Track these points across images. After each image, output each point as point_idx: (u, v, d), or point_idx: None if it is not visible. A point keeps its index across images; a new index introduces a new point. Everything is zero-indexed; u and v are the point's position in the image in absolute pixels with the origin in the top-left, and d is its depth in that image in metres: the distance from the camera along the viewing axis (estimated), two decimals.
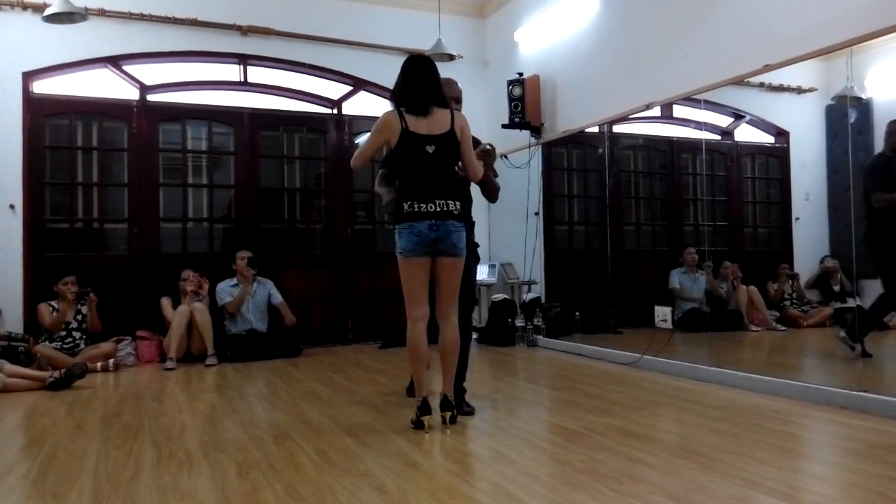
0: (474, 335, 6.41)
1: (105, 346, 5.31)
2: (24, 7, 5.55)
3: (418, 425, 3.20)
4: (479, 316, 6.85)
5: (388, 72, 6.61)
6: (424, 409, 3.19)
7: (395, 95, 3.32)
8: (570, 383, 4.46)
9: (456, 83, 3.62)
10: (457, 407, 3.32)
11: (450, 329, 3.28)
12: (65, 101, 5.83)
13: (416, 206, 3.19)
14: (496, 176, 3.79)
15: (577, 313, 6.19)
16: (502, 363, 5.40)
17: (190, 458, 2.84)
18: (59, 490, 2.47)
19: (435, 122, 3.22)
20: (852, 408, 3.42)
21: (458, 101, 3.56)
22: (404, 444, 2.96)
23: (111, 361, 5.17)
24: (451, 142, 3.23)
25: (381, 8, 6.83)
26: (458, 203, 3.25)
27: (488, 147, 3.55)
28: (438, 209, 3.18)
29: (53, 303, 5.32)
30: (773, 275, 4.97)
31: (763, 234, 5.42)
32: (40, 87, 5.77)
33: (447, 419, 3.22)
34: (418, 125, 3.20)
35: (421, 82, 3.24)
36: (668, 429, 3.28)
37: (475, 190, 3.64)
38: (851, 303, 4.27)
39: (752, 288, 5.02)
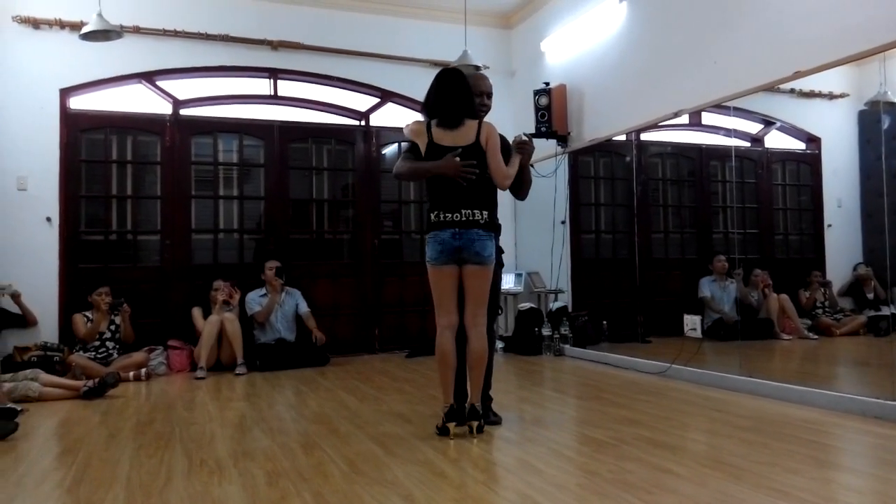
0: (501, 344, 6.43)
1: (137, 356, 5.41)
2: (63, 26, 5.71)
3: (443, 431, 3.23)
4: (506, 325, 6.85)
5: (415, 83, 6.76)
6: (451, 415, 3.21)
7: (426, 107, 3.38)
8: (598, 393, 4.43)
9: (486, 78, 3.59)
10: (483, 416, 3.30)
11: (477, 338, 3.28)
12: (100, 116, 5.98)
13: (441, 215, 3.27)
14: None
15: (605, 322, 6.14)
16: (529, 372, 5.39)
17: (220, 466, 2.88)
18: (93, 498, 2.51)
19: (461, 135, 3.27)
20: (887, 418, 3.35)
21: (489, 95, 3.50)
22: (432, 454, 2.97)
23: (143, 371, 5.26)
24: (476, 152, 3.26)
25: (407, 21, 6.90)
26: (485, 212, 3.28)
27: (524, 137, 3.47)
28: (463, 218, 3.23)
29: (88, 313, 5.44)
30: (805, 282, 4.88)
31: (794, 241, 5.33)
32: (76, 102, 5.93)
33: (474, 428, 3.21)
34: (444, 138, 3.27)
35: (452, 96, 3.28)
36: (698, 439, 3.24)
37: (504, 193, 3.60)
38: (886, 311, 4.19)
39: (784, 296, 4.94)
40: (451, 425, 3.20)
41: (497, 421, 3.48)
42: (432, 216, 3.30)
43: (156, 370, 5.48)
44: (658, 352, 5.25)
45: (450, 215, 3.25)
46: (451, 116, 3.28)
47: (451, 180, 3.24)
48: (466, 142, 3.26)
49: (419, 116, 3.46)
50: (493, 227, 3.35)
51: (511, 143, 3.49)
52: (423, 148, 3.30)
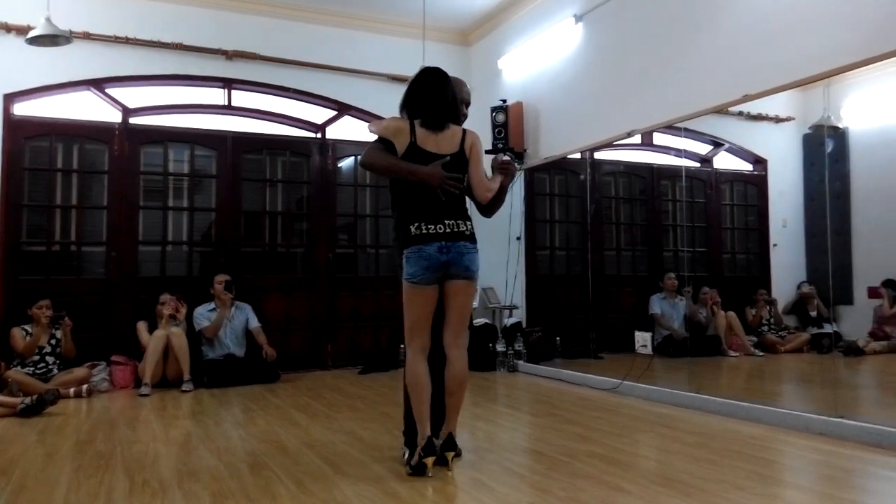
0: None
1: (79, 372, 5.22)
2: (8, 29, 5.52)
3: (418, 469, 2.84)
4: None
5: (372, 97, 6.75)
6: (430, 449, 2.83)
7: (407, 105, 3.10)
8: (551, 409, 4.44)
9: (465, 84, 3.32)
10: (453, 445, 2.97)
11: (459, 359, 3.00)
12: (46, 124, 5.79)
13: (423, 227, 2.94)
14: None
15: (558, 338, 6.19)
16: (482, 388, 5.38)
17: (164, 487, 2.78)
18: None
19: (445, 140, 3.02)
20: (830, 434, 3.44)
21: (468, 104, 3.29)
22: (383, 473, 2.93)
23: (85, 387, 5.07)
24: (460, 161, 3.03)
25: (366, 34, 6.88)
26: (469, 223, 3.03)
27: (506, 157, 3.23)
28: (448, 230, 2.94)
29: (27, 327, 5.23)
30: (752, 300, 5.01)
31: (741, 260, 5.47)
32: (21, 109, 5.73)
33: (450, 460, 2.92)
34: (427, 141, 2.99)
35: (439, 96, 3.03)
36: (648, 455, 3.27)
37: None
38: (828, 328, 4.31)
39: (731, 313, 5.06)
40: (429, 461, 2.82)
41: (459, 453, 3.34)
42: (412, 229, 2.94)
43: (98, 386, 5.29)
44: (610, 368, 5.30)
45: (433, 227, 2.93)
46: (437, 117, 3.01)
47: (433, 190, 2.94)
48: (451, 149, 3.01)
49: (398, 114, 3.16)
50: (476, 240, 3.07)
51: (492, 161, 3.23)
52: (401, 148, 2.97)
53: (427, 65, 5.79)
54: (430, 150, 2.98)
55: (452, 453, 2.93)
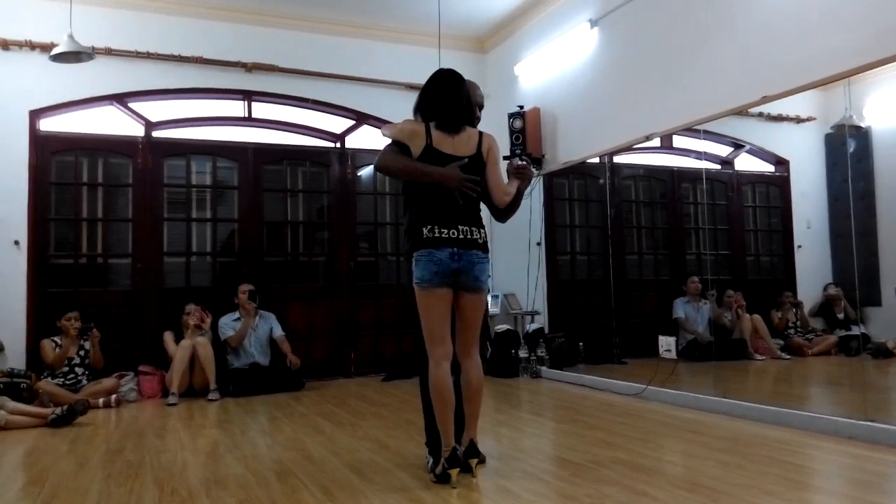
0: None
1: (107, 382, 5.29)
2: (33, 47, 5.64)
3: (442, 478, 2.84)
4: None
5: (390, 105, 6.79)
6: (454, 460, 2.81)
7: (421, 107, 3.08)
8: (575, 415, 4.42)
9: (479, 87, 3.29)
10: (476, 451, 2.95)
11: (474, 367, 2.97)
12: (71, 139, 5.90)
13: (436, 231, 2.89)
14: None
15: (581, 344, 6.16)
16: (506, 395, 5.37)
17: (192, 495, 2.81)
18: None
19: (461, 142, 2.99)
20: (860, 438, 3.39)
21: (481, 107, 3.26)
22: (409, 480, 2.93)
23: (113, 397, 5.15)
24: (477, 164, 2.99)
25: (382, 44, 6.94)
26: (482, 231, 2.99)
27: (522, 162, 3.23)
28: (462, 236, 2.90)
29: (56, 339, 5.32)
30: (777, 303, 4.95)
31: (766, 262, 5.41)
32: (47, 124, 5.85)
33: (474, 467, 2.90)
34: (443, 143, 2.96)
35: (454, 97, 3.01)
36: (674, 461, 3.24)
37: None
38: (856, 330, 4.25)
39: (756, 316, 5.00)
40: (454, 472, 2.80)
41: (483, 459, 3.33)
42: (424, 231, 2.90)
43: (126, 396, 5.36)
44: (634, 373, 5.27)
45: (446, 231, 2.88)
46: (453, 119, 2.98)
47: (448, 192, 2.91)
48: (468, 152, 2.98)
49: (412, 117, 3.14)
50: (488, 249, 3.06)
51: (508, 167, 3.22)
52: (417, 151, 2.94)
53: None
54: (446, 152, 2.95)
55: (476, 460, 2.91)
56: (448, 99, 3.01)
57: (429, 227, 2.91)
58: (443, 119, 2.99)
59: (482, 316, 3.05)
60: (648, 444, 3.50)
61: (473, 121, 3.12)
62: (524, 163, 3.25)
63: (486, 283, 3.02)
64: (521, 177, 3.15)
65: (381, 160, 3.00)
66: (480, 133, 3.08)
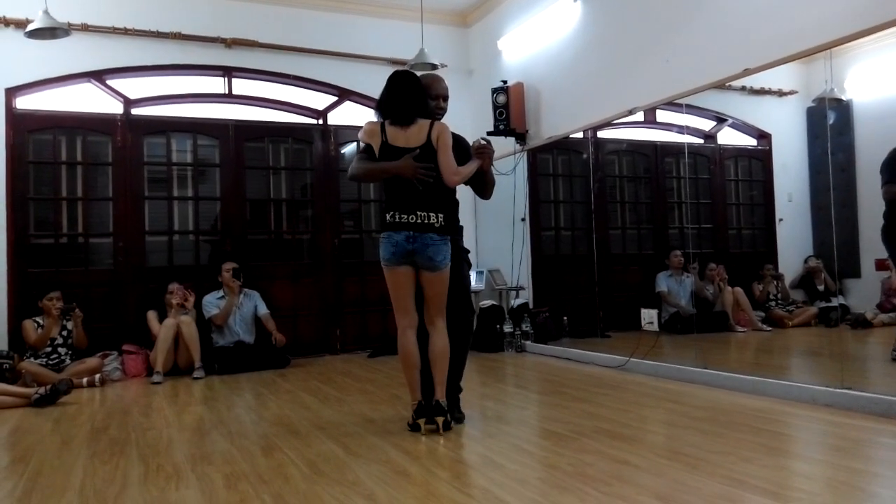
0: None
1: (91, 362, 5.27)
2: (7, 23, 5.53)
3: (414, 428, 3.28)
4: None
5: (372, 81, 6.67)
6: (420, 411, 3.26)
7: (379, 107, 3.39)
8: (559, 388, 4.47)
9: (442, 80, 3.55)
10: (450, 411, 3.31)
11: (438, 335, 3.31)
12: (48, 117, 5.80)
13: (397, 216, 3.26)
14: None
15: (565, 318, 6.21)
16: (491, 369, 5.41)
17: (178, 471, 2.82)
18: None
19: (413, 135, 3.27)
20: (836, 405, 3.45)
21: (445, 98, 3.49)
22: (394, 453, 2.96)
23: (97, 377, 5.13)
24: (428, 152, 3.26)
25: (364, 19, 6.86)
26: (440, 216, 3.27)
27: (482, 142, 3.43)
28: (418, 220, 3.23)
29: (38, 319, 5.28)
30: (758, 276, 5.01)
31: (747, 235, 5.46)
32: (23, 102, 5.75)
33: (440, 425, 3.23)
34: (397, 138, 3.27)
35: (402, 94, 3.29)
36: (655, 430, 3.30)
37: (466, 192, 3.61)
38: (835, 302, 4.32)
39: (738, 289, 5.06)
40: (421, 421, 3.25)
41: (460, 419, 3.48)
42: (388, 216, 3.29)
43: (110, 376, 5.35)
44: (617, 346, 5.33)
45: (405, 217, 3.24)
46: (403, 114, 3.28)
47: (408, 181, 3.23)
48: (419, 142, 3.26)
49: (375, 117, 3.44)
50: (450, 231, 3.35)
51: (471, 146, 3.46)
52: (377, 148, 3.30)
53: (422, 48, 5.82)
54: (400, 145, 3.27)
55: (442, 418, 3.23)
56: (397, 96, 3.30)
57: (391, 212, 3.28)
58: (393, 115, 3.30)
59: (443, 290, 3.33)
60: (630, 415, 3.55)
61: (426, 113, 3.34)
62: (484, 142, 3.43)
63: (444, 263, 3.28)
64: (481, 156, 3.39)
65: (350, 171, 3.44)
66: (431, 122, 3.31)
